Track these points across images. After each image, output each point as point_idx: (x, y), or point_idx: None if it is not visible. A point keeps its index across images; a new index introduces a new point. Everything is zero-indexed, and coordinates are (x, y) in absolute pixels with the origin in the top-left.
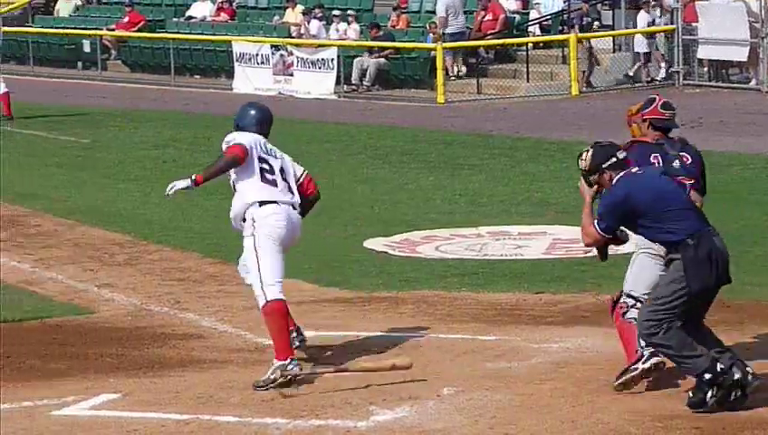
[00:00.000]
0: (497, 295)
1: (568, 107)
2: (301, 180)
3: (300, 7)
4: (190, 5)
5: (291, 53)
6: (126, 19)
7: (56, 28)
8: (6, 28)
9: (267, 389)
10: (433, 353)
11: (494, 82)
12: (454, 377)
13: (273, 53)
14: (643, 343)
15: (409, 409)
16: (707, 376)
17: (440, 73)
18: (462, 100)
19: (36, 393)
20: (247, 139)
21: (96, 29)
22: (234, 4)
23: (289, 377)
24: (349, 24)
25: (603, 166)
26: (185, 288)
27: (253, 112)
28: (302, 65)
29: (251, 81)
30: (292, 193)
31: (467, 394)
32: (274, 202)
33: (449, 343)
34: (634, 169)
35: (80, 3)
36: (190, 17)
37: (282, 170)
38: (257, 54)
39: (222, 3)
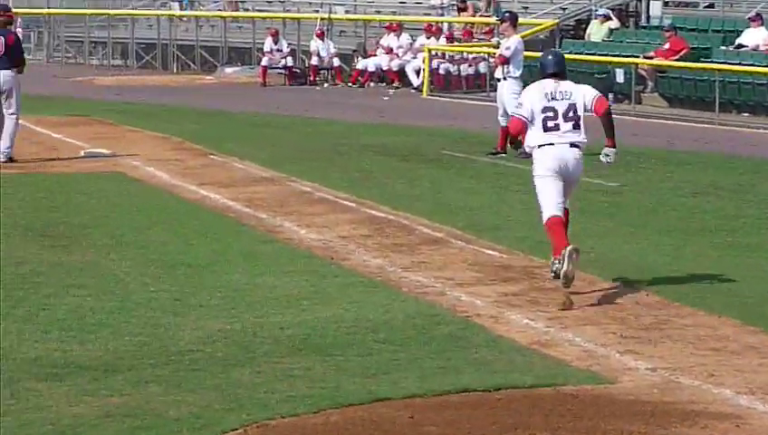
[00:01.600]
0: None
1: None
2: (591, 106)
3: None
4: (741, 32)
5: None
6: (666, 46)
7: (586, 54)
8: (531, 53)
9: (553, 276)
10: None
11: None
12: None
13: None
14: None
15: None
16: None
17: None
18: None
19: None
20: (531, 99)
21: (632, 56)
22: None
23: (567, 255)
24: None
25: None
26: (720, 359)
27: (550, 57)
28: None
29: None
30: (576, 130)
31: None
32: (550, 144)
33: None
34: None
35: (614, 26)
36: (741, 45)
37: (568, 111)
38: None
39: None
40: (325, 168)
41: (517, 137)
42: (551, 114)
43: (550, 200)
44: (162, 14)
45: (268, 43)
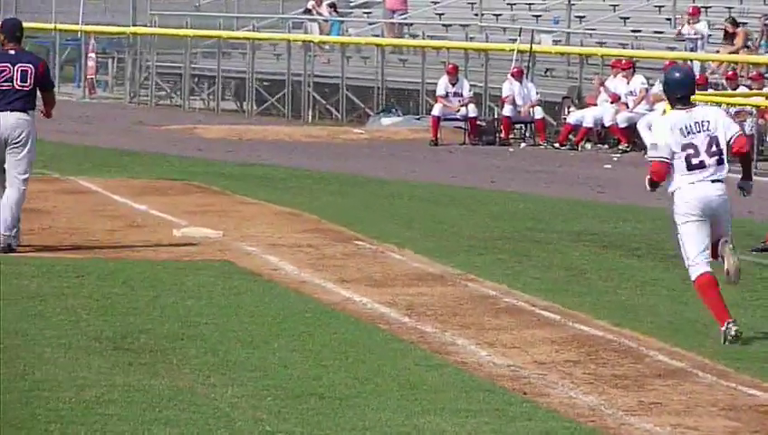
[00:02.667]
0: None
1: None
2: (731, 141)
3: None
4: None
5: None
6: None
7: None
8: None
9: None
10: None
11: None
12: None
13: None
14: None
15: None
16: None
17: None
18: None
19: None
20: (665, 137)
21: None
22: None
23: (730, 337)
24: None
25: None
26: None
27: (678, 76)
28: None
29: None
30: (720, 164)
31: None
32: (691, 183)
33: None
34: None
35: None
36: None
37: (710, 145)
38: None
39: None
40: (517, 263)
41: (660, 183)
42: (691, 151)
43: (696, 250)
44: (295, 39)
45: (443, 84)
